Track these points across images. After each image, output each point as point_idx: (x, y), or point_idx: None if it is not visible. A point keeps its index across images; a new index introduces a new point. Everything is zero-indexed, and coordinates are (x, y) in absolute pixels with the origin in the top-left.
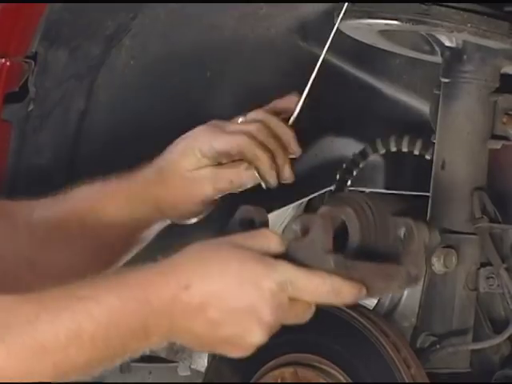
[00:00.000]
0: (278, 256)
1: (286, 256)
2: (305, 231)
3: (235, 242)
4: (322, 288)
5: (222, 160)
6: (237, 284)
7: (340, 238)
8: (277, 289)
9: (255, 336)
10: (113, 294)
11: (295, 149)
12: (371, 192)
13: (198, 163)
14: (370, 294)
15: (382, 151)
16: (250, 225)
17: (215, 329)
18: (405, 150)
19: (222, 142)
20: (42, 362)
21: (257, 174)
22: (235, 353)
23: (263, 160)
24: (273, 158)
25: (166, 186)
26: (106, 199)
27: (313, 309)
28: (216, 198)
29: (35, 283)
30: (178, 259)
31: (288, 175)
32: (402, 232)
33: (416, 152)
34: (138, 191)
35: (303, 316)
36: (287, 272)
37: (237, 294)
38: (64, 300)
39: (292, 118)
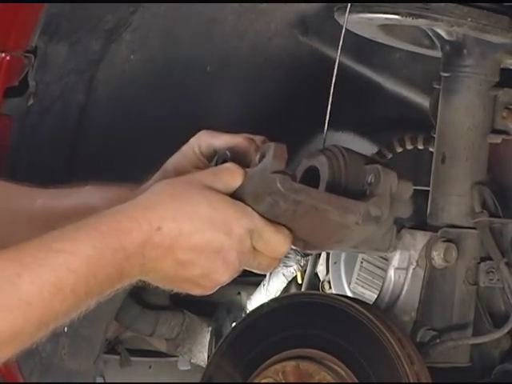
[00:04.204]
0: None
1: (243, 184)
2: (261, 158)
3: (204, 181)
4: (281, 248)
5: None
6: (207, 227)
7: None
8: (245, 235)
9: (220, 277)
10: (88, 245)
11: None
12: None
13: (198, 162)
14: (325, 223)
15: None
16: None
17: (183, 269)
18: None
19: (220, 140)
20: (29, 319)
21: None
22: (198, 291)
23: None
24: None
25: None
26: (112, 205)
27: (277, 263)
28: None
29: None
30: (149, 200)
31: None
32: (370, 178)
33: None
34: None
35: (266, 268)
36: (256, 221)
37: (206, 237)
38: (43, 255)
39: (324, 137)
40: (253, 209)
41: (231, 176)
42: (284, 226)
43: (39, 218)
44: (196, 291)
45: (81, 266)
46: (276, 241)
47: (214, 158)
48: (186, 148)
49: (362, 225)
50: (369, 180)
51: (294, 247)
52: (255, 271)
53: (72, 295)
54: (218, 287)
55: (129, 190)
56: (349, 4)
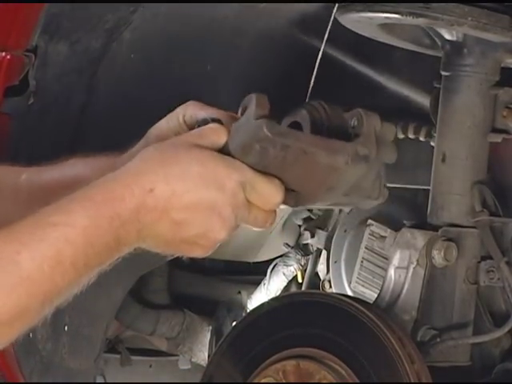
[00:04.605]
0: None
1: (229, 139)
2: (244, 111)
3: (190, 140)
4: (274, 198)
5: None
6: (199, 185)
7: None
8: (237, 188)
9: (217, 234)
10: (84, 216)
11: None
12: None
13: (180, 130)
14: (315, 167)
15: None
16: (204, 122)
17: (179, 230)
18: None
19: (204, 112)
20: (32, 296)
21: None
22: (198, 252)
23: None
24: None
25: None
26: (95, 174)
27: (274, 217)
28: None
29: None
30: (138, 166)
31: None
32: (353, 121)
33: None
34: (124, 162)
35: (263, 222)
36: (247, 173)
37: (199, 195)
38: (40, 230)
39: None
40: (242, 162)
41: (216, 134)
42: (275, 176)
43: (24, 192)
44: (196, 252)
45: (78, 236)
46: (269, 191)
47: (196, 124)
48: (170, 116)
49: (352, 165)
50: (352, 124)
51: (291, 245)
52: (254, 228)
53: (72, 268)
54: (217, 246)
55: (114, 158)
56: (336, 4)
